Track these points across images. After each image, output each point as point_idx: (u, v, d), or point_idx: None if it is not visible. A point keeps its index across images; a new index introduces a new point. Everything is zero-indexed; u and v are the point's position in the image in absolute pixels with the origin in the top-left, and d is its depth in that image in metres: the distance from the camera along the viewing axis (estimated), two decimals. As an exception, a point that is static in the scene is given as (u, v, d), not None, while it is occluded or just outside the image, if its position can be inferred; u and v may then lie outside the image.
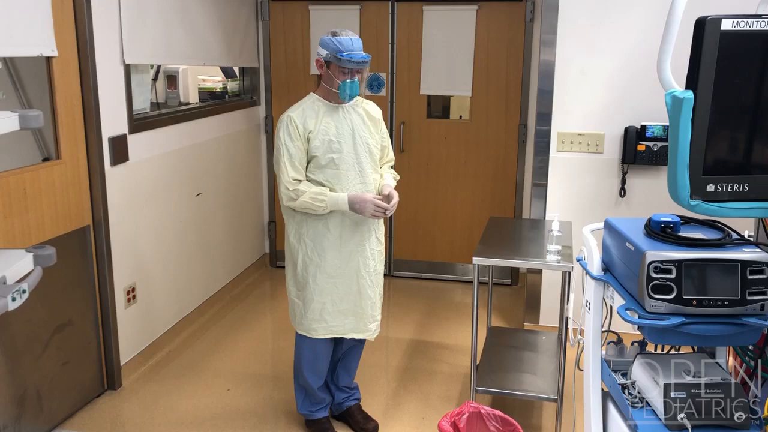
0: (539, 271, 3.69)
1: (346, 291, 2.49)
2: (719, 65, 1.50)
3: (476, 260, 2.58)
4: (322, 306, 2.47)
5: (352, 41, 2.34)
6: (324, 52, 2.36)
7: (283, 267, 4.65)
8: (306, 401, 2.67)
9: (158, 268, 3.48)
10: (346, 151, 2.43)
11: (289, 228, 2.48)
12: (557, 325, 3.43)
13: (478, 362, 2.89)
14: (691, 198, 1.62)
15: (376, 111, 2.57)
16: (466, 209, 4.43)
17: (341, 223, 2.44)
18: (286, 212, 2.48)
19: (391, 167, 2.67)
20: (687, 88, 1.56)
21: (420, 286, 4.24)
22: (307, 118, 2.40)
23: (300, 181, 2.38)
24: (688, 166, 1.56)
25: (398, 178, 2.63)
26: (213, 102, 4.17)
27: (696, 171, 1.59)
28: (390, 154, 2.65)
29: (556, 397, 2.65)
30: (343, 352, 2.69)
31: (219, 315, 4.01)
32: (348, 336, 2.55)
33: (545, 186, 3.57)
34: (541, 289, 3.71)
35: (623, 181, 3.45)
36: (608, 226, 1.90)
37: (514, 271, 4.52)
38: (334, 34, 2.35)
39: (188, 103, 4.00)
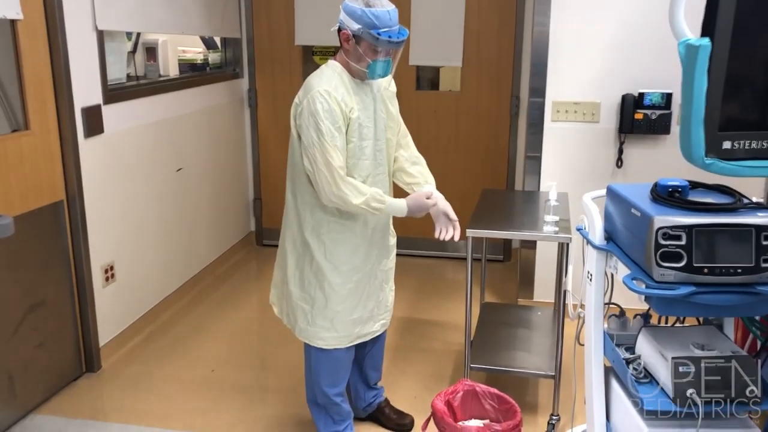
0: (533, 246, 3.68)
1: (365, 296, 2.32)
2: (739, 9, 1.39)
3: (470, 232, 2.52)
4: (339, 313, 2.27)
5: (389, 14, 2.01)
6: (355, 26, 2.02)
7: (272, 246, 4.66)
8: (329, 420, 2.40)
9: (138, 246, 3.42)
10: (371, 137, 2.21)
11: (304, 222, 2.22)
12: (552, 301, 3.45)
13: (471, 339, 2.87)
14: (706, 156, 1.51)
15: (393, 85, 2.34)
16: (458, 183, 4.43)
17: (365, 225, 2.25)
18: (304, 203, 2.20)
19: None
20: (703, 35, 1.44)
21: (412, 263, 4.27)
22: (344, 94, 2.09)
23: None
24: (703, 122, 1.46)
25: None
26: (194, 74, 4.11)
27: (711, 127, 1.49)
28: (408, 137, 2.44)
29: (553, 373, 2.63)
30: (367, 351, 2.52)
31: (203, 295, 3.98)
32: (371, 337, 2.39)
33: (539, 158, 3.53)
34: (535, 263, 3.69)
35: (620, 151, 3.43)
36: (611, 193, 1.87)
37: (507, 247, 4.54)
38: (368, 5, 2.01)
39: (168, 76, 3.90)
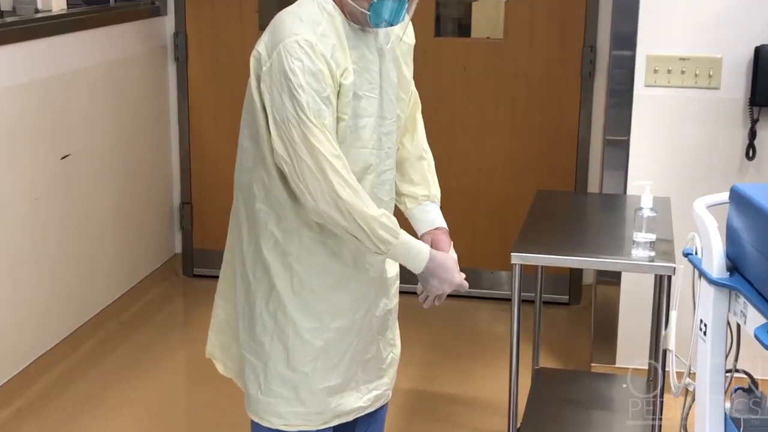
0: (615, 281, 3.67)
1: (350, 353, 2.32)
2: None
3: (516, 257, 2.54)
4: (308, 377, 2.27)
5: None
6: None
7: (208, 277, 4.61)
8: None
9: (-1, 275, 3.41)
10: (374, 114, 2.22)
11: (261, 233, 2.23)
12: (645, 367, 3.39)
13: (518, 425, 2.86)
14: None
15: (411, 34, 2.34)
16: (498, 183, 4.40)
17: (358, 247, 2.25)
18: (266, 203, 2.21)
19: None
20: None
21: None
22: (334, 47, 2.16)
23: None
24: None
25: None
26: (89, 8, 4.12)
27: None
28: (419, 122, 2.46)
29: None
30: None
31: (100, 351, 3.97)
32: (356, 416, 2.40)
33: (626, 144, 3.54)
34: (618, 309, 3.69)
35: (752, 134, 3.43)
36: (738, 198, 1.88)
37: (575, 281, 4.52)
38: None
39: (50, 11, 3.90)
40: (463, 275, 2.30)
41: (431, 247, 2.30)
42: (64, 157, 3.76)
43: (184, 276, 4.80)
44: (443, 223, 2.40)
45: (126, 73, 4.24)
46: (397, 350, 2.51)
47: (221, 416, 3.41)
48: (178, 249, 4.82)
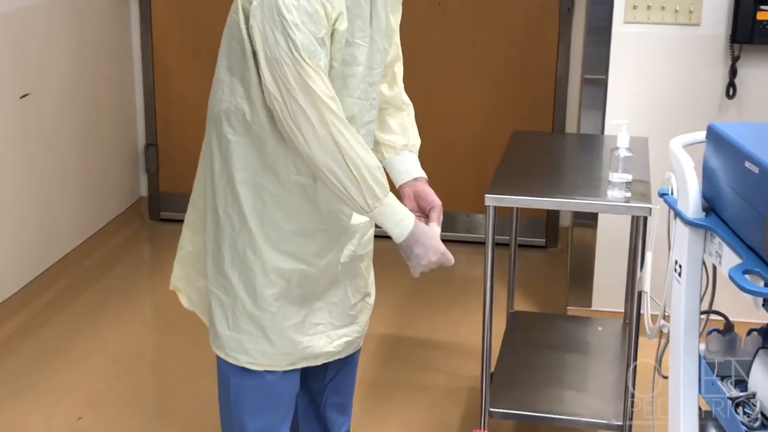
0: (592, 223, 3.70)
1: (318, 292, 2.35)
2: None
3: (490, 199, 2.54)
4: (275, 316, 2.29)
5: None
6: None
7: (175, 221, 4.64)
8: None
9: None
10: (363, 62, 2.21)
11: (235, 169, 2.21)
12: (620, 310, 3.45)
13: (493, 369, 2.89)
14: None
15: None
16: (474, 124, 4.42)
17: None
18: (247, 138, 2.20)
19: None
20: None
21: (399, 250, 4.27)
22: None
23: None
24: None
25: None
26: None
27: None
28: (400, 64, 2.45)
29: (620, 423, 2.66)
30: (328, 381, 2.55)
31: (63, 299, 3.98)
32: (325, 360, 2.41)
33: (604, 82, 3.55)
34: (595, 251, 3.72)
35: (733, 72, 3.43)
36: (714, 136, 1.87)
37: (551, 224, 4.56)
38: None
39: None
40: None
41: (416, 197, 2.32)
42: (22, 97, 3.74)
43: (151, 220, 4.81)
44: (422, 173, 2.39)
45: (86, 7, 4.20)
46: (371, 299, 2.51)
47: (188, 362, 3.43)
48: (144, 192, 4.82)
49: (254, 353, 2.31)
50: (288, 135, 2.13)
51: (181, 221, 2.48)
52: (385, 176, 2.18)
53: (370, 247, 2.48)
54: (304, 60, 2.05)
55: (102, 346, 3.58)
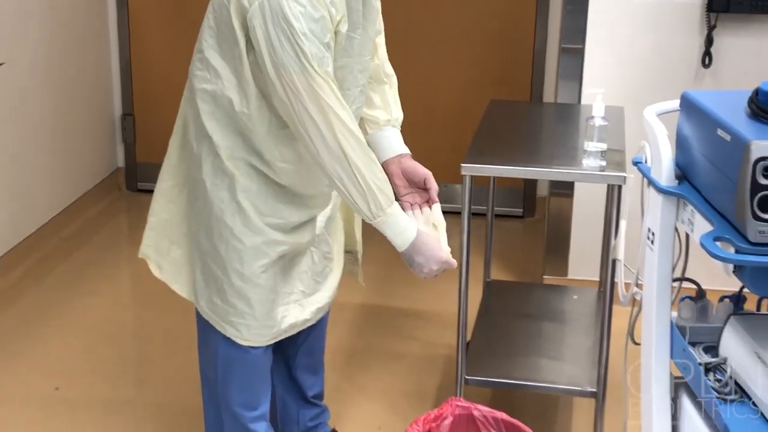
0: (568, 192, 3.72)
1: (293, 263, 2.38)
2: None
3: (467, 168, 2.55)
4: (259, 288, 2.31)
5: None
6: None
7: (150, 192, 4.51)
8: None
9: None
10: (356, 53, 2.21)
11: (219, 146, 2.20)
12: (596, 278, 3.47)
13: (469, 338, 2.90)
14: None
15: None
16: (452, 92, 4.43)
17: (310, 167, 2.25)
18: (236, 121, 2.19)
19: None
20: None
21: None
22: None
23: None
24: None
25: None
26: None
27: None
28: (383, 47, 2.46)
29: (594, 389, 2.67)
30: (300, 344, 2.59)
31: (39, 270, 3.98)
32: (297, 330, 2.44)
33: (581, 52, 3.56)
34: (570, 220, 3.74)
35: (709, 41, 3.45)
36: (688, 105, 1.88)
37: (528, 194, 4.59)
38: None
39: None
40: (449, 249, 2.29)
41: (404, 173, 2.34)
42: (-3, 66, 3.73)
43: (128, 191, 4.80)
44: (406, 149, 2.40)
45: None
46: (339, 264, 2.53)
47: (165, 332, 3.44)
48: (121, 163, 4.82)
49: (240, 327, 2.32)
50: (297, 137, 2.14)
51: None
52: (391, 188, 2.19)
53: (336, 212, 2.51)
54: (314, 69, 2.04)
55: (79, 317, 3.59)
